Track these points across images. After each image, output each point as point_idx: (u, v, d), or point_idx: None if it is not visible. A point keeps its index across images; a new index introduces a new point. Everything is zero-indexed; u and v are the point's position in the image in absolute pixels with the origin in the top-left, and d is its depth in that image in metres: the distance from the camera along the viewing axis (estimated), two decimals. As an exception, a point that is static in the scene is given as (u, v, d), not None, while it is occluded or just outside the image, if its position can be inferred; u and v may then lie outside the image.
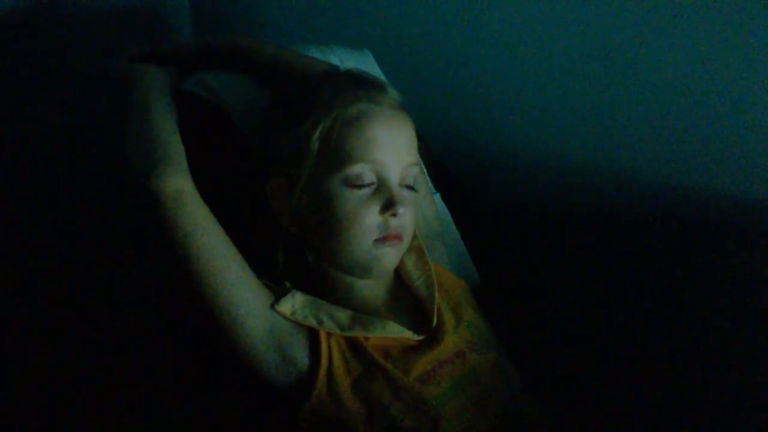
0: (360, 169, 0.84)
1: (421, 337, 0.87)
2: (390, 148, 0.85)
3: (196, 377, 1.00)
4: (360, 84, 0.89)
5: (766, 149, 0.98)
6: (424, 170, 1.10)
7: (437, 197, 1.12)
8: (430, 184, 1.11)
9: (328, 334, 0.85)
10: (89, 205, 1.43)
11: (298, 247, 0.92)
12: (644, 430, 1.03)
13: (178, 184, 0.82)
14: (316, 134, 0.85)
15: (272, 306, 0.84)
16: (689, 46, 1.02)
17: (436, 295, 0.92)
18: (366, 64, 1.16)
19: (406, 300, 0.95)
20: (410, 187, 0.89)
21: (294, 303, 0.85)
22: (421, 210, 1.01)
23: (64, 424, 1.24)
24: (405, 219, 0.87)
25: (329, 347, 0.84)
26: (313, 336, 0.85)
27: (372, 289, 0.92)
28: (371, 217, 0.85)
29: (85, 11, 1.46)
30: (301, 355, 0.84)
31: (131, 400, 1.21)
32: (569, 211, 1.20)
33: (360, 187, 0.84)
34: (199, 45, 1.04)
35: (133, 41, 1.04)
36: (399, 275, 0.97)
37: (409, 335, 0.86)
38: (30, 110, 1.38)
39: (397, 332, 0.86)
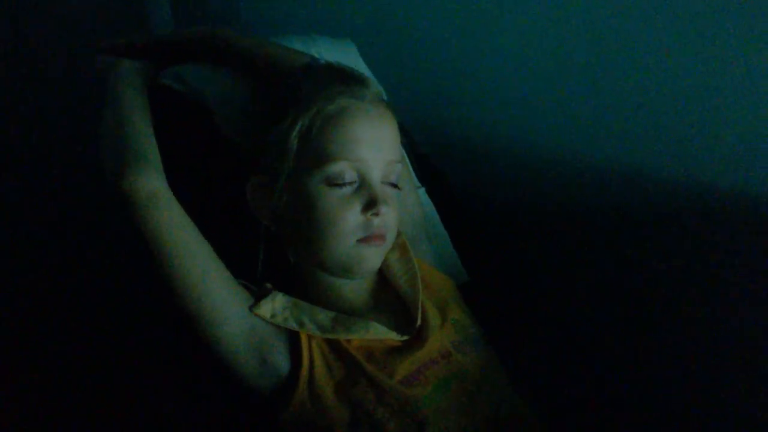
0: (341, 168, 0.82)
1: (405, 338, 0.86)
2: (372, 145, 0.83)
3: (178, 383, 0.99)
4: (341, 78, 0.87)
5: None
6: (409, 164, 1.08)
7: (422, 192, 1.10)
8: (415, 178, 1.09)
9: (310, 337, 0.83)
10: (80, 202, 1.42)
11: (279, 247, 0.90)
12: (638, 429, 1.02)
13: (151, 185, 0.80)
14: (295, 131, 0.83)
15: (251, 308, 0.83)
16: (690, 36, 1.00)
17: (420, 293, 0.90)
18: (349, 55, 1.14)
19: (390, 298, 0.93)
20: (393, 185, 0.87)
21: (274, 305, 0.84)
22: (406, 206, 0.99)
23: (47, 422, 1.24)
24: (388, 218, 0.85)
25: (311, 350, 0.83)
26: (294, 338, 0.83)
27: (354, 288, 0.91)
28: (353, 217, 0.83)
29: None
30: (281, 359, 0.82)
31: (113, 401, 1.20)
32: (558, 206, 1.18)
33: (341, 185, 0.83)
34: (176, 37, 1.02)
35: (111, 33, 1.01)
36: (382, 273, 0.95)
37: (392, 336, 0.85)
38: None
39: (380, 333, 0.84)
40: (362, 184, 0.83)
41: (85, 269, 1.39)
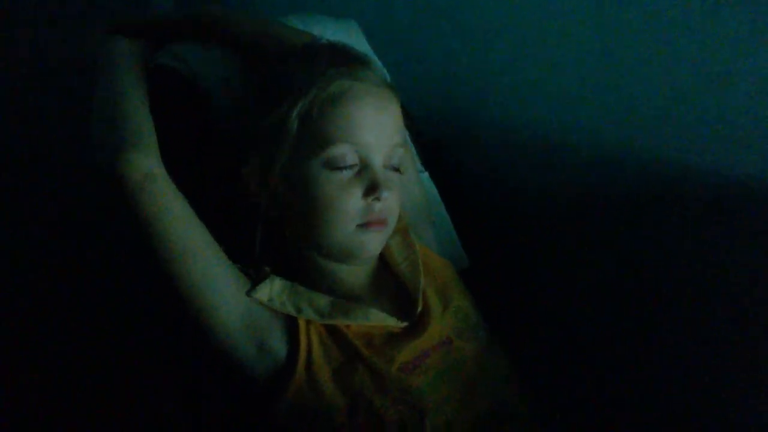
0: (342, 151, 0.81)
1: (405, 324, 0.85)
2: (374, 128, 0.82)
3: (178, 383, 1.00)
4: (343, 59, 0.85)
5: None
6: (412, 148, 1.06)
7: (425, 176, 1.09)
8: (418, 162, 1.08)
9: (308, 322, 0.83)
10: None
11: (278, 231, 0.89)
12: (638, 419, 1.01)
13: (147, 167, 0.79)
14: (295, 113, 0.81)
15: (248, 293, 0.82)
16: (701, 20, 0.96)
17: (422, 279, 0.89)
18: (352, 36, 1.11)
19: (391, 284, 0.93)
20: (395, 169, 0.86)
21: (272, 289, 0.83)
22: (408, 190, 0.97)
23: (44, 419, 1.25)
24: (389, 203, 0.84)
25: (308, 336, 0.82)
26: (291, 324, 0.83)
27: (354, 274, 0.90)
28: (354, 201, 0.82)
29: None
30: (278, 344, 0.82)
31: (113, 401, 1.21)
32: (563, 192, 1.15)
33: (342, 169, 0.81)
34: (174, 16, 1.00)
35: (109, 12, 0.99)
36: (383, 258, 0.94)
37: (392, 323, 0.84)
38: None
39: (379, 320, 0.84)
40: (364, 167, 0.82)
41: (85, 269, 1.39)
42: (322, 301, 0.84)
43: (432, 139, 1.14)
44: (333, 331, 0.83)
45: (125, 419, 1.15)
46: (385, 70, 0.91)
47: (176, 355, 0.98)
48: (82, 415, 1.23)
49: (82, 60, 1.15)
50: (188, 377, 0.96)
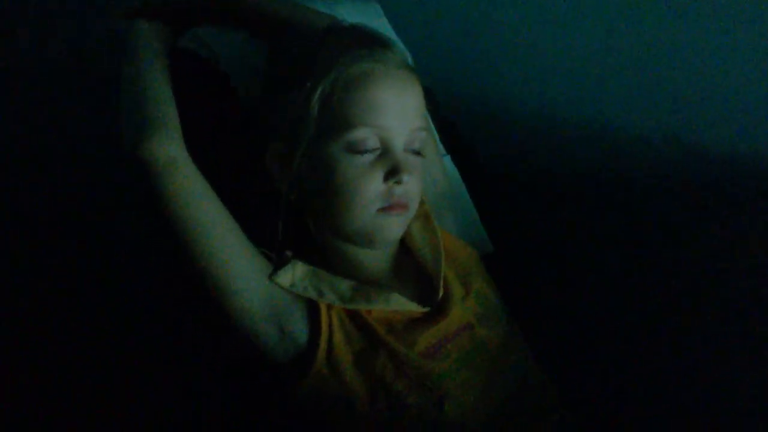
0: (363, 134, 0.80)
1: (426, 309, 0.85)
2: (395, 111, 0.81)
3: (172, 370, 0.99)
4: (364, 41, 0.84)
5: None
6: (434, 131, 1.05)
7: (447, 159, 1.08)
8: (440, 145, 1.07)
9: (329, 307, 0.82)
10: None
11: (299, 215, 0.88)
12: (659, 407, 1.00)
13: (170, 152, 0.77)
14: (316, 97, 0.80)
15: (270, 277, 0.81)
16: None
17: (443, 264, 0.89)
18: (374, 17, 1.11)
19: (412, 269, 0.92)
20: (417, 153, 0.85)
21: (293, 274, 0.83)
22: (429, 174, 0.97)
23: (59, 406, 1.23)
24: (411, 186, 0.83)
25: (330, 320, 0.81)
26: (313, 308, 0.82)
27: (376, 258, 0.89)
28: (375, 185, 0.81)
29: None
30: (300, 328, 0.81)
31: (113, 401, 1.19)
32: (588, 175, 1.15)
33: (363, 152, 0.80)
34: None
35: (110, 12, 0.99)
36: (404, 242, 0.93)
37: (413, 307, 0.84)
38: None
39: (400, 304, 0.83)
40: (385, 151, 0.81)
41: (85, 269, 1.38)
42: (344, 285, 0.83)
43: (454, 122, 1.14)
44: (354, 316, 0.82)
45: (125, 419, 1.14)
46: (407, 53, 0.90)
47: (176, 355, 0.98)
48: (82, 415, 1.21)
49: (83, 60, 1.14)
50: (188, 377, 0.95)
